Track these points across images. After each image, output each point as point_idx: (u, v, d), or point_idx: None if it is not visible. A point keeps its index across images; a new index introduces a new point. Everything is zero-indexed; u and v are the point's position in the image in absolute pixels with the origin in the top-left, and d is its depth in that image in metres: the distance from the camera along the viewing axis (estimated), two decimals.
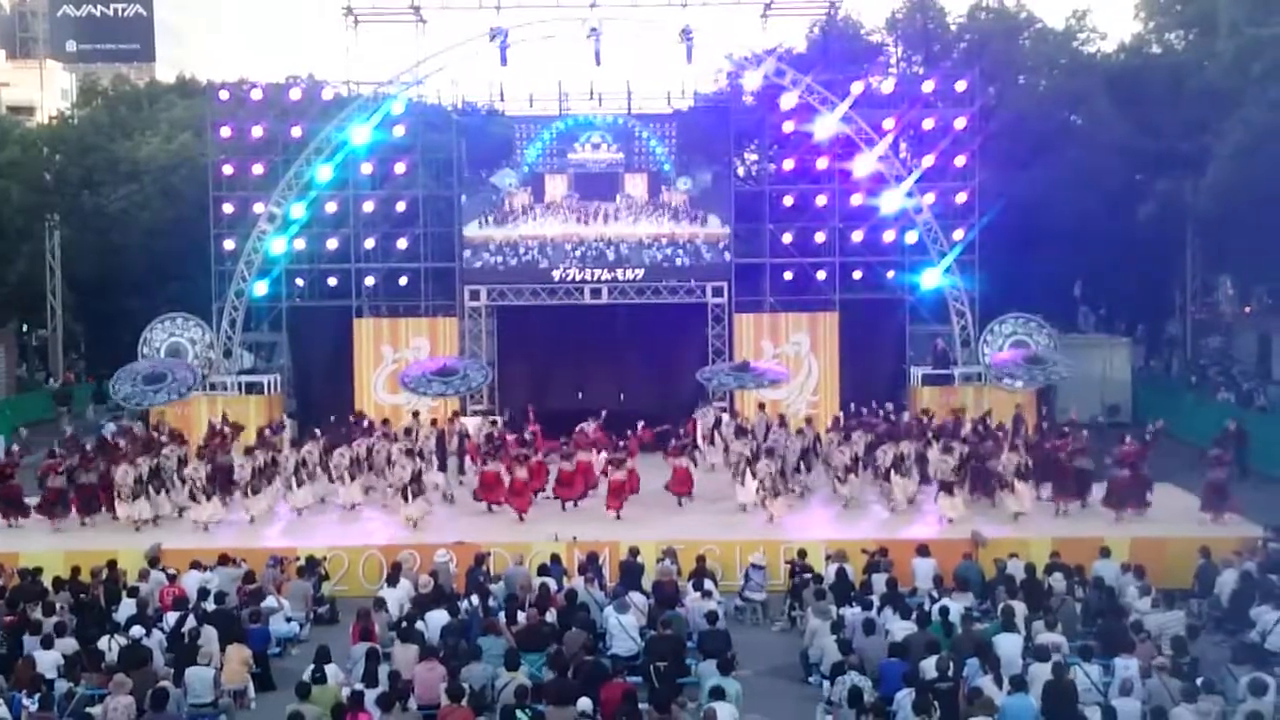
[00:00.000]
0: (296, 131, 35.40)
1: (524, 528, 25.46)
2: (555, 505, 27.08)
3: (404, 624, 18.18)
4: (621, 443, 28.23)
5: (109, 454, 27.78)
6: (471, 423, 32.18)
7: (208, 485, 26.09)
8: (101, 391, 44.65)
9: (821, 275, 36.19)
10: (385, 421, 31.25)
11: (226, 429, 30.14)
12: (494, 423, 32.43)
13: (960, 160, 35.56)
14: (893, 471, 26.65)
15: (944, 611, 18.19)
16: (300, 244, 36.20)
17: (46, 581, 20.84)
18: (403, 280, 37.41)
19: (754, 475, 26.45)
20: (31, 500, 26.83)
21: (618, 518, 26.14)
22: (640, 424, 29.64)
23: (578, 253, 35.75)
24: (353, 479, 27.74)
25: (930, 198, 34.91)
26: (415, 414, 31.58)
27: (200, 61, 79.58)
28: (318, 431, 30.05)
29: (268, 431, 30.79)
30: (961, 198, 35.37)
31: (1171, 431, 31.66)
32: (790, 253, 36.45)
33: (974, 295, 34.97)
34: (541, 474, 27.91)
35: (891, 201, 34.71)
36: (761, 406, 32.78)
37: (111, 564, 21.82)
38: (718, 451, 30.99)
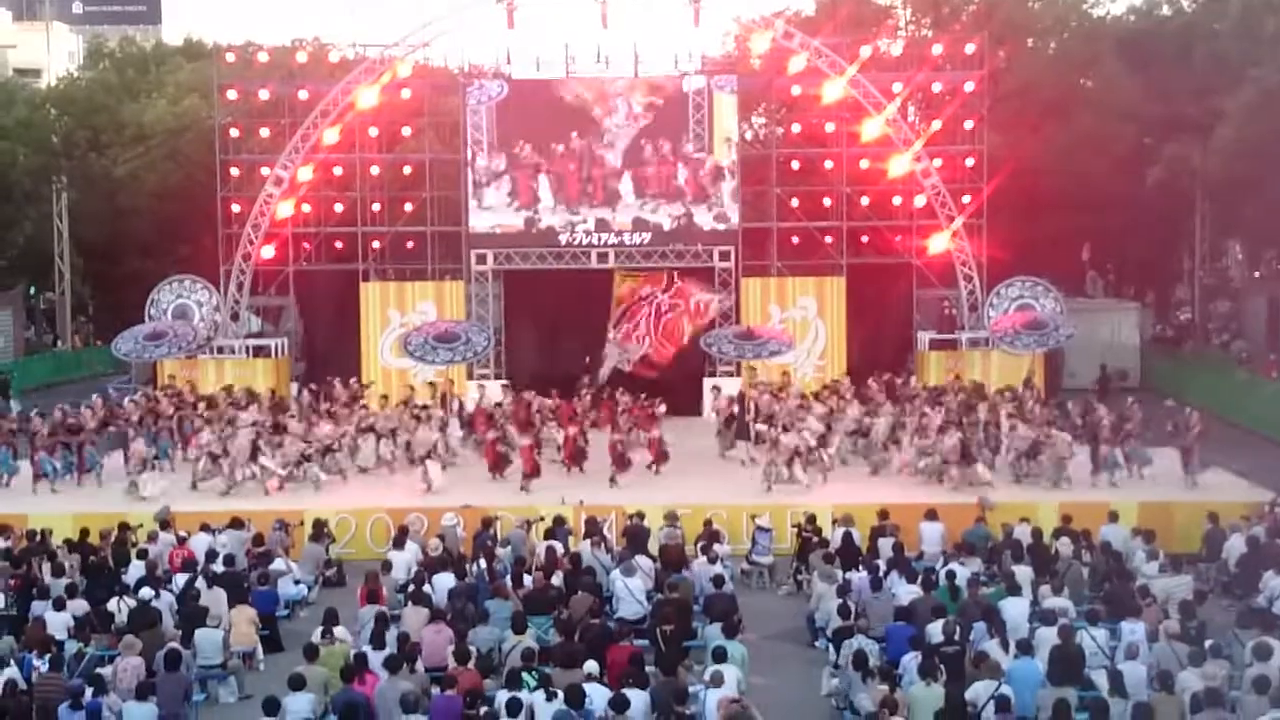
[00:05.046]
0: (303, 94, 35.31)
1: (531, 492, 25.50)
2: (561, 470, 27.19)
3: (412, 587, 18.24)
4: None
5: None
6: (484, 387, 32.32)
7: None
8: None
9: (829, 239, 36.08)
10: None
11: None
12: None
13: (969, 124, 35.43)
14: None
15: (951, 576, 18.20)
16: (307, 207, 36.15)
17: (56, 544, 20.92)
18: (410, 244, 37.37)
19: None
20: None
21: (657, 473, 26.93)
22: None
23: (585, 217, 35.64)
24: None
25: (938, 162, 34.75)
26: (411, 388, 31.86)
27: (207, 24, 79.31)
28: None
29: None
30: (970, 162, 35.26)
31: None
32: (797, 217, 36.33)
33: (981, 259, 34.86)
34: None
35: (899, 165, 34.58)
36: (753, 369, 33.00)
37: (122, 526, 21.89)
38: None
